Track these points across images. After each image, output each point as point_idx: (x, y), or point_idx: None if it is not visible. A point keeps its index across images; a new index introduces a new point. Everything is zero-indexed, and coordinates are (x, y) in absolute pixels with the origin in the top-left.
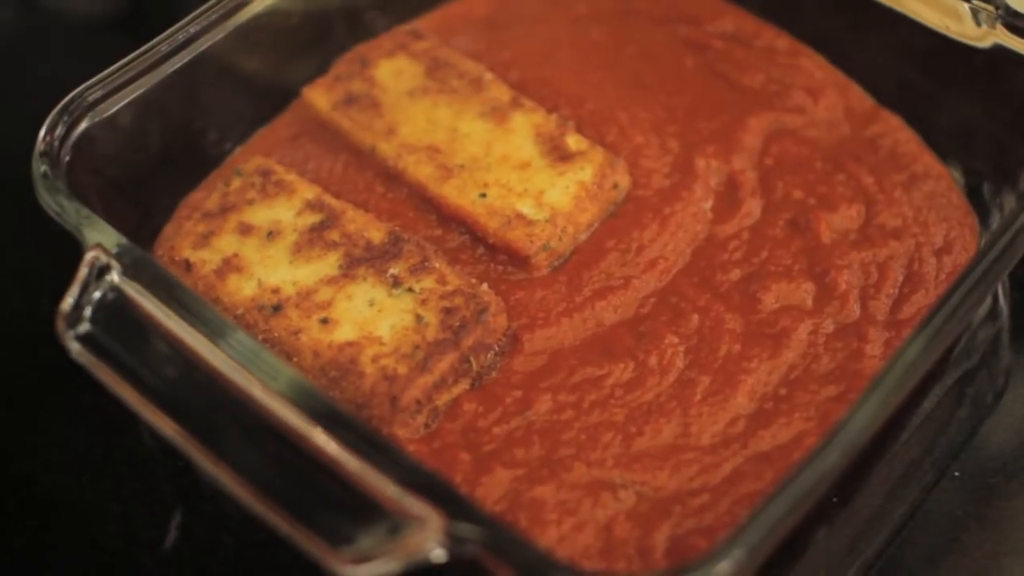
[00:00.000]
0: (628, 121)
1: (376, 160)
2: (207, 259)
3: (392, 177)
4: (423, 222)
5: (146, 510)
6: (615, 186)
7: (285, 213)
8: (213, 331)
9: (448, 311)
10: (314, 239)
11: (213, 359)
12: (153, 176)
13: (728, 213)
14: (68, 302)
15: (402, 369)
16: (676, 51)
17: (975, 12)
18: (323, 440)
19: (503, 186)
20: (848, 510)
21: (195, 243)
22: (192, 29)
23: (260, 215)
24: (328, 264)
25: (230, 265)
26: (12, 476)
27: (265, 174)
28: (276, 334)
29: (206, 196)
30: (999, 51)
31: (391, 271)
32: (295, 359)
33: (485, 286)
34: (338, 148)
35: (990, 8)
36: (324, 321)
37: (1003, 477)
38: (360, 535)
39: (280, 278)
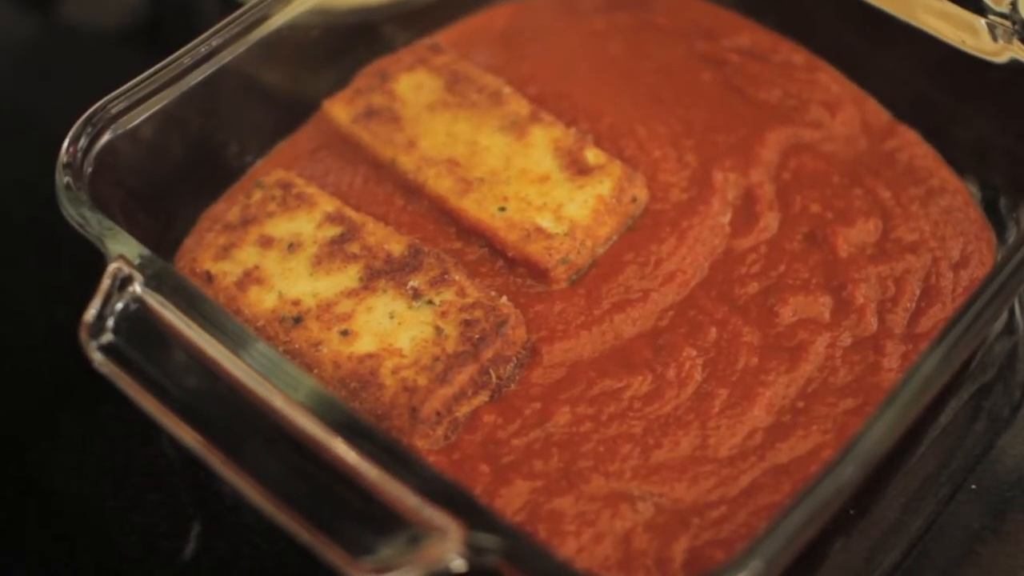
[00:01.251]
0: (646, 135)
1: (396, 173)
2: (228, 271)
3: (412, 190)
4: (443, 235)
5: (165, 520)
6: (633, 200)
7: (306, 226)
8: (234, 342)
9: (468, 323)
10: (334, 251)
11: (234, 370)
12: (175, 188)
13: (746, 227)
14: (91, 313)
15: (422, 381)
16: (693, 66)
17: (991, 27)
18: (344, 450)
19: (522, 199)
20: (865, 522)
21: (216, 255)
22: (214, 42)
23: (281, 227)
24: (348, 276)
25: (251, 277)
26: (31, 485)
27: (286, 187)
28: (296, 346)
29: (227, 208)
30: (1016, 66)
31: (411, 283)
32: (315, 371)
33: (504, 299)
34: (358, 161)
35: (1007, 23)
36: (344, 333)
37: (1019, 490)
38: (380, 545)
39: (300, 290)
